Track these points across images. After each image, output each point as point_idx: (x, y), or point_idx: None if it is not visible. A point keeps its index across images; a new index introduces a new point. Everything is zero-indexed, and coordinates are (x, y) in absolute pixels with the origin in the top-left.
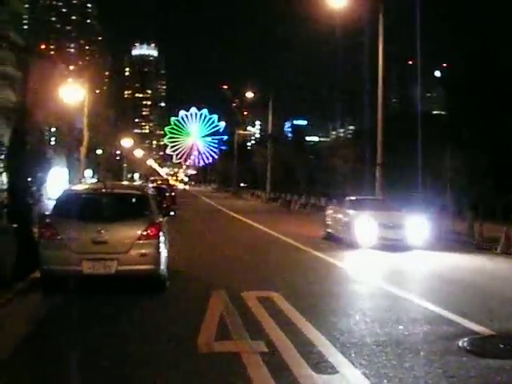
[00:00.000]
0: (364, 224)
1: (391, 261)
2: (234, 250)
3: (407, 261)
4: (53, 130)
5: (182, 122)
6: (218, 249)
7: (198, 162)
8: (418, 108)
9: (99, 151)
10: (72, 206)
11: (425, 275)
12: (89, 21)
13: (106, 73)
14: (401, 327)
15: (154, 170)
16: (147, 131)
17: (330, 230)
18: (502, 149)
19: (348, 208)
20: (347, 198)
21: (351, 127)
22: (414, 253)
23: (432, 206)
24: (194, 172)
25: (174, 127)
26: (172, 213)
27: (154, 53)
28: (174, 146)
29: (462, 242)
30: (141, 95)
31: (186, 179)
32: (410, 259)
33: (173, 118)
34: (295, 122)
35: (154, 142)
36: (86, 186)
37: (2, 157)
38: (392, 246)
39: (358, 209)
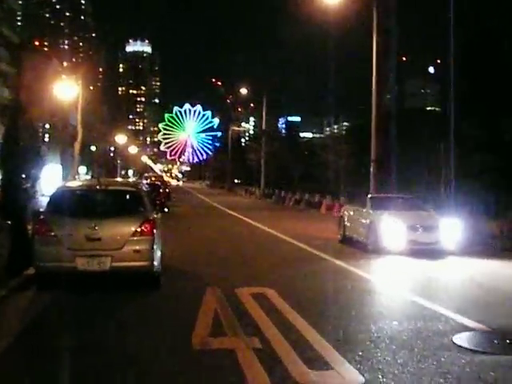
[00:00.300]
0: (391, 226)
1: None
2: (231, 252)
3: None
4: (47, 126)
5: (176, 119)
6: (212, 247)
7: (193, 159)
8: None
9: (93, 148)
10: (66, 203)
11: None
12: (82, 17)
13: (100, 69)
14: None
15: (149, 167)
16: (141, 128)
17: (348, 233)
18: (498, 146)
19: (371, 208)
20: (369, 196)
21: (345, 123)
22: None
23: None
24: (188, 168)
25: (168, 124)
26: (166, 209)
27: (148, 49)
28: (168, 143)
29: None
30: (135, 92)
31: (180, 176)
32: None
33: (167, 115)
34: (289, 119)
35: (148, 139)
36: (80, 183)
37: None
38: (423, 251)
39: (383, 208)
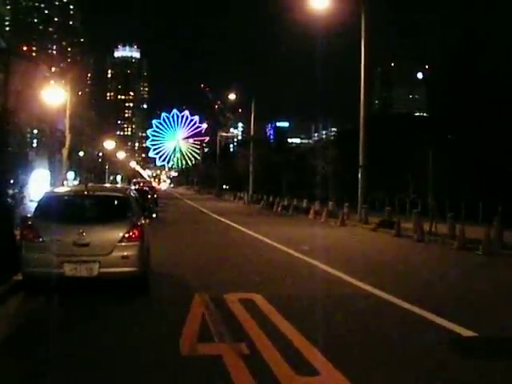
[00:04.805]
0: None
1: None
2: (219, 257)
3: None
4: (35, 132)
5: (164, 125)
6: (200, 253)
7: (181, 164)
8: None
9: (81, 153)
10: (54, 209)
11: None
12: (71, 22)
13: (89, 74)
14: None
15: (137, 172)
16: (129, 133)
17: None
18: (484, 151)
19: None
20: None
21: (334, 129)
22: None
23: None
24: (175, 174)
25: (156, 130)
26: (154, 215)
27: (137, 54)
28: (156, 149)
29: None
30: (123, 97)
31: (168, 181)
32: None
33: (155, 121)
34: (278, 124)
35: (137, 144)
36: (68, 188)
37: None
38: None
39: None
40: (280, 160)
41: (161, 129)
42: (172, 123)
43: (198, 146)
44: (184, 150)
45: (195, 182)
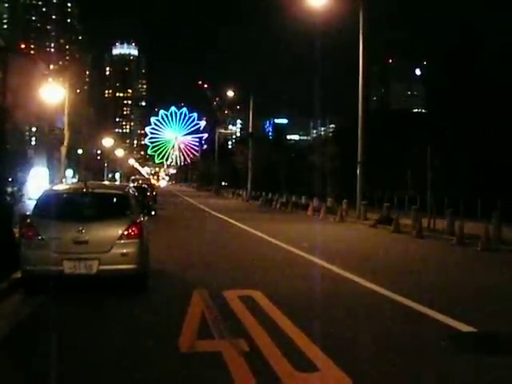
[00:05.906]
0: None
1: None
2: (218, 254)
3: None
4: (33, 129)
5: (162, 122)
6: (199, 250)
7: (181, 161)
8: None
9: (80, 151)
10: (53, 206)
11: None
12: (69, 20)
13: (87, 72)
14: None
15: (136, 170)
16: (128, 130)
17: None
18: (482, 148)
19: None
20: None
21: (332, 125)
22: None
23: None
24: (174, 171)
25: (155, 127)
26: (153, 212)
27: (135, 52)
28: (154, 147)
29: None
30: (121, 94)
31: (167, 178)
32: None
33: (153, 118)
34: (276, 121)
35: (135, 142)
36: (67, 186)
37: None
38: None
39: None
40: (279, 157)
41: (159, 126)
42: (170, 120)
43: (197, 143)
44: (182, 147)
45: (194, 180)
